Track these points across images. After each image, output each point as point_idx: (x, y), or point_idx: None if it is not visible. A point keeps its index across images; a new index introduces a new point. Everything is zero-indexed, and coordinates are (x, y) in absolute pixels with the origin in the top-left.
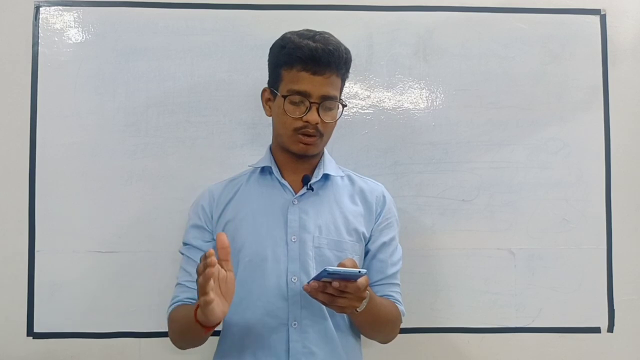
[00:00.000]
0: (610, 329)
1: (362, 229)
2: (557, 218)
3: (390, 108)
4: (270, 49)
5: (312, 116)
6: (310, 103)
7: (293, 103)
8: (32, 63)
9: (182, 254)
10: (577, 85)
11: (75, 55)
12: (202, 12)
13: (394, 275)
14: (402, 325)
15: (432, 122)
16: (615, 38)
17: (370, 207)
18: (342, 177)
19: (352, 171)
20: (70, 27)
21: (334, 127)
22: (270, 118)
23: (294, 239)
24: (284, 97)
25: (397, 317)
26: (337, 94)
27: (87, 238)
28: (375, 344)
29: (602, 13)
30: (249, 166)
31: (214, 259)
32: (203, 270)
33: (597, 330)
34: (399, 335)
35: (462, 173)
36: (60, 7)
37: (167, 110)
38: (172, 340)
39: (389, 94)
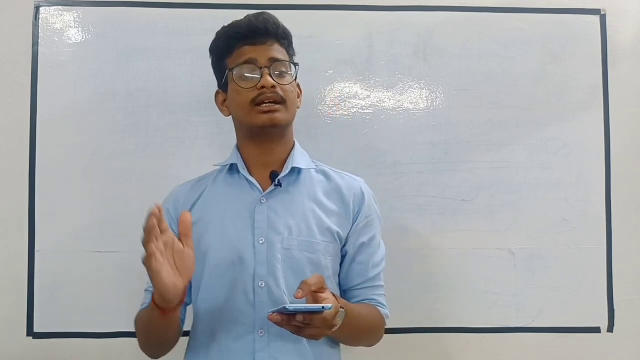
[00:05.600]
0: (610, 329)
1: (337, 228)
2: (557, 218)
3: (390, 108)
4: (209, 50)
5: (266, 80)
6: (260, 69)
7: (244, 78)
8: (32, 63)
9: None
10: (577, 85)
11: (75, 55)
12: (202, 12)
13: (376, 277)
14: (402, 326)
15: (432, 122)
16: (615, 38)
17: (347, 206)
18: (315, 170)
19: (328, 166)
20: (70, 27)
21: (296, 95)
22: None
23: (261, 240)
24: (232, 70)
25: (380, 323)
26: (287, 60)
27: (87, 238)
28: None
29: (602, 13)
30: (215, 165)
31: (153, 220)
32: (147, 240)
33: (597, 330)
34: (399, 336)
35: (462, 173)
36: (60, 7)
37: (167, 110)
38: (141, 346)
39: (389, 94)
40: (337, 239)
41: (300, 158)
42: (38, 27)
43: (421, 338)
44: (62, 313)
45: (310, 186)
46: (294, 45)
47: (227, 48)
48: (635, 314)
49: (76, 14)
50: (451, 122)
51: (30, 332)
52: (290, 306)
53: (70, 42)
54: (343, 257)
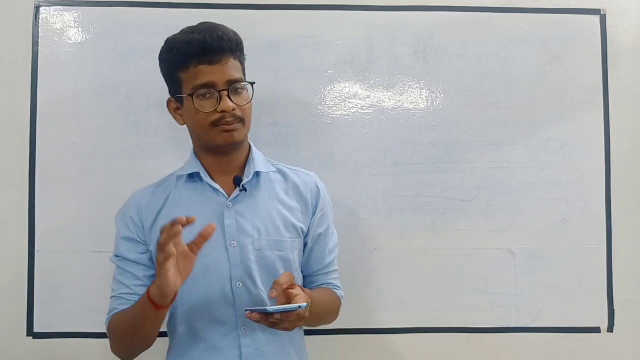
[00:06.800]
0: (610, 329)
1: (300, 224)
2: (557, 218)
3: (390, 108)
4: (159, 57)
5: (226, 104)
6: (219, 92)
7: (202, 98)
8: (32, 63)
9: (115, 264)
10: (577, 85)
11: (75, 55)
12: (202, 12)
13: (331, 263)
14: (402, 326)
15: (432, 122)
16: (615, 38)
17: (306, 202)
18: (274, 172)
19: (282, 164)
20: (70, 27)
21: (251, 109)
22: (185, 126)
23: (233, 244)
24: (191, 95)
25: (337, 305)
26: (242, 76)
27: (87, 238)
28: (374, 345)
29: (602, 13)
30: (173, 173)
31: (180, 227)
32: (165, 242)
33: (597, 330)
34: (399, 336)
35: (462, 173)
36: (60, 7)
37: (167, 110)
38: (116, 348)
39: (389, 94)
40: (301, 233)
41: (258, 161)
42: (38, 27)
43: (421, 338)
44: (62, 313)
45: (271, 187)
46: (295, 47)
47: (181, 63)
48: (635, 314)
49: (76, 14)
50: (451, 122)
51: (30, 332)
52: (271, 308)
53: (70, 42)
54: (303, 248)
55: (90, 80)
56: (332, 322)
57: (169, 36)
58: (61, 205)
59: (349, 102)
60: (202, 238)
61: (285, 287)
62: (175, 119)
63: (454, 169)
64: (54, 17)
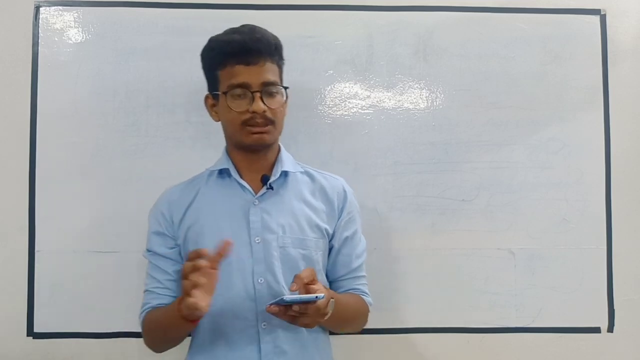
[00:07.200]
0: (610, 329)
1: (325, 225)
2: (557, 218)
3: (390, 108)
4: (201, 55)
5: (257, 105)
6: (252, 93)
7: (236, 97)
8: (32, 63)
9: (148, 259)
10: (577, 85)
11: (75, 55)
12: (202, 12)
13: (359, 267)
14: (402, 326)
15: (432, 122)
16: (615, 38)
17: (332, 204)
18: (301, 172)
19: (310, 167)
20: (70, 27)
21: (284, 114)
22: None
23: (257, 240)
24: (225, 93)
25: (364, 311)
26: (277, 79)
27: (87, 238)
28: (374, 345)
29: (602, 13)
30: (206, 169)
31: (203, 262)
32: (190, 271)
33: (597, 330)
34: (399, 336)
35: (462, 173)
36: (60, 7)
37: (167, 110)
38: (149, 343)
39: (389, 94)
40: (325, 234)
41: (287, 161)
42: (38, 27)
43: (421, 338)
44: (62, 313)
45: (297, 187)
46: (295, 47)
47: (219, 61)
48: (635, 314)
49: (76, 14)
50: (451, 122)
51: (30, 332)
52: (287, 297)
53: (70, 42)
54: (329, 251)
55: (90, 80)
56: (360, 328)
57: (212, 35)
58: (61, 205)
59: (349, 102)
60: (219, 255)
61: (305, 281)
62: (211, 115)
63: (454, 169)
64: (54, 17)
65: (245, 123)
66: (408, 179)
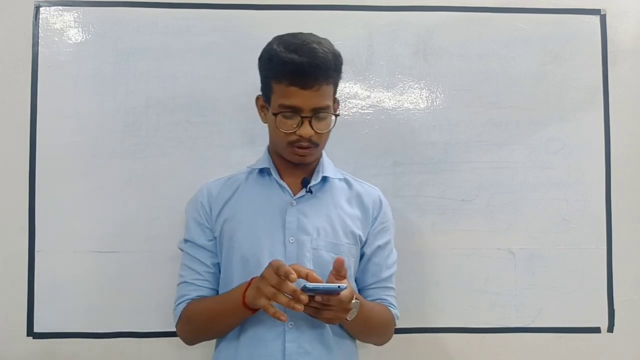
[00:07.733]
0: (610, 329)
1: (359, 232)
2: (557, 218)
3: (390, 108)
4: (259, 58)
5: (305, 130)
6: (302, 117)
7: (285, 117)
8: (32, 63)
9: (183, 250)
10: (577, 85)
11: (75, 55)
12: (202, 12)
13: (388, 278)
14: (402, 326)
15: (432, 122)
16: (615, 38)
17: (366, 211)
18: (340, 179)
19: (349, 174)
20: (70, 27)
21: (329, 134)
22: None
23: (291, 240)
24: (275, 114)
25: (390, 321)
26: (330, 103)
27: (87, 238)
28: (374, 345)
29: (602, 13)
30: (248, 167)
31: (294, 277)
32: (277, 284)
33: (597, 330)
34: (399, 336)
35: (462, 173)
36: (60, 7)
37: (167, 110)
38: (188, 333)
39: (389, 94)
40: (359, 241)
41: (328, 167)
42: (38, 27)
43: (421, 338)
44: (62, 313)
45: (335, 193)
46: None
47: (274, 75)
48: (635, 314)
49: (76, 14)
50: (451, 122)
51: (30, 332)
52: (309, 285)
53: (70, 42)
54: (360, 258)
55: (90, 80)
56: (385, 341)
57: (276, 37)
58: (61, 205)
59: (349, 102)
60: (315, 277)
61: (339, 266)
62: (259, 115)
63: (454, 169)
64: (54, 17)
65: (291, 144)
66: (408, 179)
